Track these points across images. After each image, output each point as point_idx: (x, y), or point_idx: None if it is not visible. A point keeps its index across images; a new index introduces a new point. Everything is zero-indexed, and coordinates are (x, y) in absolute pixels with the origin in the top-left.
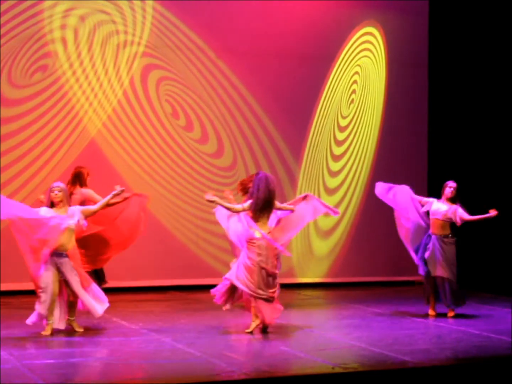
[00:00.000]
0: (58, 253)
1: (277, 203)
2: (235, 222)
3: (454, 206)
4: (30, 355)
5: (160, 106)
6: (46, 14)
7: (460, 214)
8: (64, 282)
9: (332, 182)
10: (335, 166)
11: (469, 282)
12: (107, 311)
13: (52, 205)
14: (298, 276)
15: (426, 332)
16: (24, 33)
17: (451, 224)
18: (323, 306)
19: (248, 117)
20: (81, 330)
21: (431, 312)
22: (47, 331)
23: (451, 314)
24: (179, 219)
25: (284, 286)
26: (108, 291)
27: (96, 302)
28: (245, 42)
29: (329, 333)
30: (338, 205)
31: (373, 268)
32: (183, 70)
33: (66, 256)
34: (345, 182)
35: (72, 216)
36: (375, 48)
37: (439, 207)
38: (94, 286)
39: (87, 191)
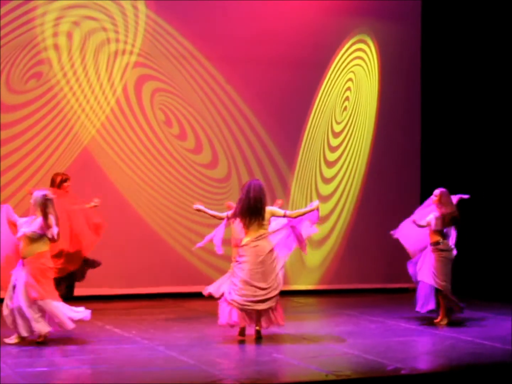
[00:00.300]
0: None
1: (279, 211)
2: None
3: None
4: (23, 363)
5: (153, 114)
6: (38, 22)
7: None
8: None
9: (325, 189)
10: (328, 173)
11: (461, 288)
12: (100, 318)
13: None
14: (291, 283)
15: (419, 339)
16: (19, 39)
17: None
18: (316, 314)
19: (241, 123)
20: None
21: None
22: (14, 340)
23: (444, 322)
24: (173, 227)
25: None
26: (101, 298)
27: (36, 319)
28: (238, 49)
29: (322, 341)
30: (331, 212)
31: (366, 275)
32: (176, 77)
33: (22, 264)
34: (338, 189)
35: (32, 224)
36: (368, 55)
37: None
38: (52, 303)
39: None
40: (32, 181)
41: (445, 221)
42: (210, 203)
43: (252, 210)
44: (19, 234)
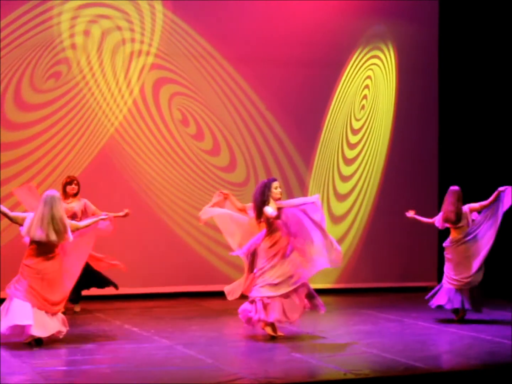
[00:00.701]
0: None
1: (282, 203)
2: None
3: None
4: (42, 363)
5: (170, 113)
6: (55, 21)
7: (470, 206)
8: None
9: (343, 188)
10: (346, 171)
11: (481, 287)
12: (118, 317)
13: None
14: (309, 282)
15: (437, 338)
16: (37, 37)
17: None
18: (334, 312)
19: (258, 122)
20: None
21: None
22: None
23: (460, 316)
24: (191, 226)
25: None
26: (119, 298)
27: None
28: (256, 49)
29: (340, 339)
30: (349, 211)
31: (384, 274)
32: (193, 76)
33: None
34: (355, 187)
35: None
36: (385, 55)
37: None
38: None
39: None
40: (48, 180)
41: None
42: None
43: (258, 209)
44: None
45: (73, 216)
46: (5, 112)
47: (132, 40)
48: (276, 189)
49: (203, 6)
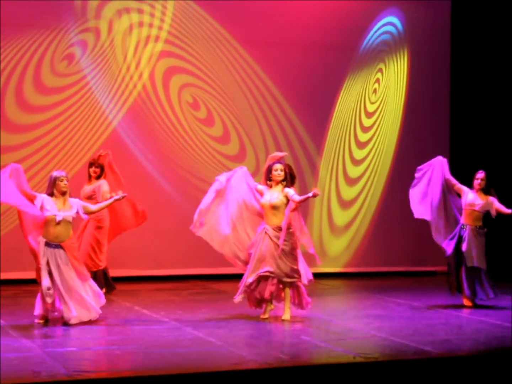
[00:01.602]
0: (54, 245)
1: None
2: None
3: (491, 198)
4: (52, 344)
5: (181, 96)
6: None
7: (498, 206)
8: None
9: (354, 172)
10: (358, 154)
11: (490, 272)
12: (128, 299)
13: (52, 194)
14: (318, 266)
15: (447, 323)
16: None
17: (484, 215)
18: (343, 296)
19: (271, 105)
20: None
21: (466, 302)
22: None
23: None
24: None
25: None
26: (129, 280)
27: (92, 298)
28: (268, 32)
29: (350, 323)
30: (359, 194)
31: (394, 258)
32: (205, 59)
33: (61, 247)
34: (366, 172)
35: (70, 208)
36: (396, 39)
37: (476, 198)
38: (92, 283)
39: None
40: (60, 163)
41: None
42: None
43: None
44: (59, 217)
45: (90, 198)
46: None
47: (141, 24)
48: (276, 171)
49: None
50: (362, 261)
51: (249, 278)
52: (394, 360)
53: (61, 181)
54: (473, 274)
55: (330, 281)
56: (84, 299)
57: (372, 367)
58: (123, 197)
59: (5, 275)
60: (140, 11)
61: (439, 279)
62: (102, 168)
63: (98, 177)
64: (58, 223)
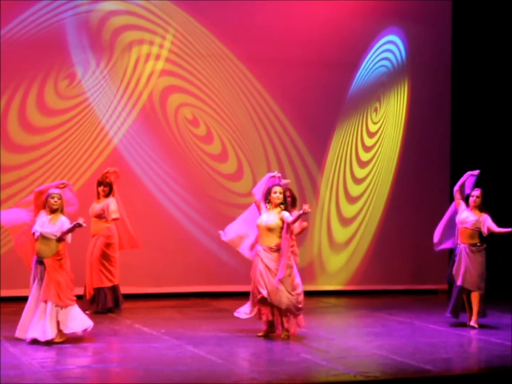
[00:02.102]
0: (38, 260)
1: None
2: None
3: (484, 216)
4: (52, 361)
5: (180, 114)
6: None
7: (489, 224)
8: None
9: (355, 190)
10: (359, 173)
11: (490, 290)
12: (129, 316)
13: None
14: (319, 284)
15: (447, 341)
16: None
17: (480, 233)
18: (344, 314)
19: (272, 122)
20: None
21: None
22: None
23: (475, 325)
24: (201, 227)
25: (306, 294)
26: (130, 297)
27: (51, 325)
28: (269, 49)
29: (351, 341)
30: (359, 212)
31: (395, 276)
32: (207, 77)
33: (43, 263)
34: (367, 190)
35: (53, 225)
36: (397, 55)
37: (468, 216)
38: (73, 309)
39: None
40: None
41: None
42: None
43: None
44: (37, 233)
45: (99, 216)
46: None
47: (142, 42)
48: (275, 193)
49: (218, 7)
50: (363, 279)
51: (252, 309)
52: (395, 378)
53: (52, 198)
54: (462, 294)
55: (331, 299)
56: (32, 319)
57: None
58: (81, 226)
59: (6, 292)
60: (142, 29)
61: (440, 297)
62: (110, 186)
63: (106, 195)
64: (36, 239)
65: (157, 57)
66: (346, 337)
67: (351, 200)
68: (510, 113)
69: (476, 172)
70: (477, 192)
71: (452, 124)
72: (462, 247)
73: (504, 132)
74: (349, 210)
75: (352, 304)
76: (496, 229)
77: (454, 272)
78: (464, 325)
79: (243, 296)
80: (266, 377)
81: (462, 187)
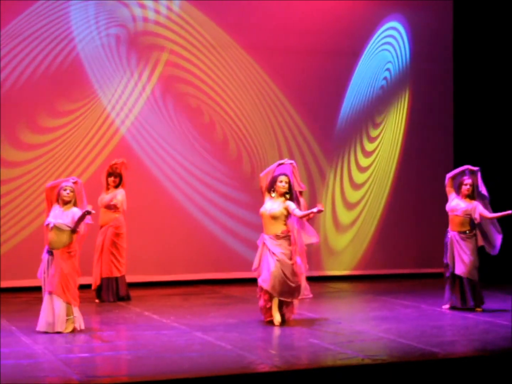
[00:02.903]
0: (48, 251)
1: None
2: None
3: (475, 203)
4: (65, 350)
5: (181, 103)
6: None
7: (481, 211)
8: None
9: (360, 178)
10: (364, 162)
11: (492, 273)
12: (138, 305)
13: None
14: (326, 269)
15: (453, 324)
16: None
17: (471, 221)
18: (351, 299)
19: (278, 110)
20: (75, 328)
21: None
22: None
23: (479, 310)
24: (208, 215)
25: (313, 279)
26: (139, 285)
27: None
28: (272, 39)
29: (358, 325)
30: (363, 197)
31: (401, 260)
32: (212, 66)
33: (52, 254)
34: (371, 176)
35: (66, 217)
36: (399, 43)
37: (458, 203)
38: (60, 304)
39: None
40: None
41: None
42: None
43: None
44: (51, 224)
45: (108, 207)
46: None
47: (149, 32)
48: (281, 182)
49: None
50: (369, 264)
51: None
52: (402, 361)
53: (64, 190)
54: (455, 281)
55: (337, 284)
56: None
57: (380, 369)
58: (90, 213)
59: (19, 283)
60: (146, 20)
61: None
62: (121, 177)
63: (116, 186)
64: (51, 229)
65: (160, 49)
66: (353, 322)
67: (356, 186)
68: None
69: (476, 168)
70: (469, 181)
71: (454, 111)
72: (452, 235)
73: (508, 122)
74: (354, 196)
75: (359, 289)
76: (489, 214)
77: (448, 261)
78: (470, 308)
79: (250, 282)
80: (275, 362)
81: (456, 176)
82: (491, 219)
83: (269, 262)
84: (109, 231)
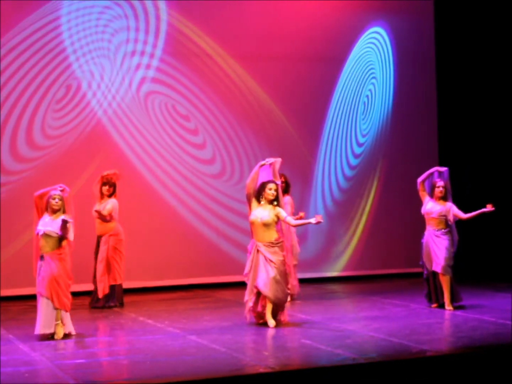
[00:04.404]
0: (40, 256)
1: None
2: None
3: (448, 204)
4: (61, 356)
5: (172, 110)
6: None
7: (455, 212)
8: None
9: (347, 181)
10: (352, 163)
11: (481, 270)
12: (133, 310)
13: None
14: (317, 271)
15: (442, 322)
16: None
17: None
18: (342, 299)
19: (263, 118)
20: (71, 334)
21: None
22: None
23: (450, 308)
24: (201, 220)
25: (304, 281)
26: (133, 291)
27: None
28: (257, 46)
29: (349, 325)
30: (353, 200)
31: (390, 260)
32: (197, 73)
33: (42, 258)
34: (359, 177)
35: (56, 224)
36: (382, 48)
37: (433, 206)
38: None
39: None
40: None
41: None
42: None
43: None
44: (40, 232)
45: (100, 218)
46: None
47: (136, 40)
48: (270, 190)
49: (206, 5)
50: (359, 265)
51: (249, 299)
52: (393, 360)
53: (53, 199)
54: (433, 278)
55: (328, 285)
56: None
57: (372, 368)
58: (67, 221)
59: (15, 291)
60: (134, 29)
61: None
62: (114, 186)
63: (110, 195)
64: (41, 237)
65: (147, 55)
66: (344, 322)
67: (342, 189)
68: (494, 106)
69: (444, 168)
70: (441, 183)
71: (438, 115)
72: (428, 233)
73: (490, 125)
74: (341, 197)
75: (349, 290)
76: (463, 215)
77: (424, 259)
78: (458, 306)
79: (243, 286)
80: (269, 363)
81: (426, 180)
82: (466, 219)
83: (267, 269)
84: (111, 240)
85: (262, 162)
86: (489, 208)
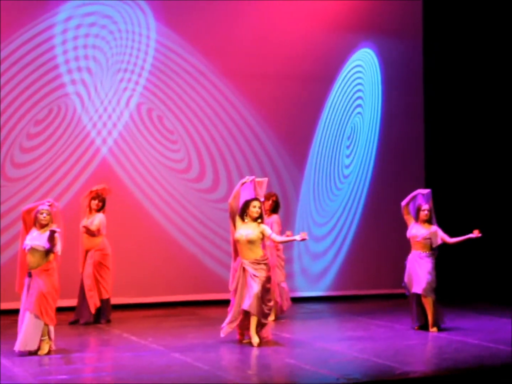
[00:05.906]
0: (28, 273)
1: None
2: None
3: (433, 228)
4: (44, 372)
5: (160, 126)
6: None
7: (442, 236)
8: None
9: (333, 202)
10: (339, 183)
11: (466, 292)
12: (117, 326)
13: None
14: (301, 290)
15: (426, 343)
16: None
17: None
18: (326, 319)
19: (251, 137)
20: (52, 349)
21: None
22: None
23: (434, 330)
24: (187, 237)
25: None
26: (118, 307)
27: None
28: (246, 64)
29: (333, 345)
30: (338, 219)
31: (375, 281)
32: (184, 91)
33: (30, 276)
34: (344, 198)
35: (43, 239)
36: (371, 68)
37: (418, 230)
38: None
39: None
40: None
41: None
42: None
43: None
44: (27, 247)
45: (88, 232)
46: None
47: (125, 57)
48: (254, 207)
49: (196, 22)
50: (344, 285)
51: (234, 318)
52: (377, 380)
53: (41, 214)
54: (415, 300)
55: (312, 305)
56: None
57: None
58: (55, 231)
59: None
60: (121, 45)
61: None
62: (104, 201)
63: (99, 210)
64: (28, 251)
65: (138, 74)
66: (329, 342)
67: (330, 208)
68: (483, 129)
69: (427, 191)
70: (427, 206)
71: (425, 135)
72: (412, 255)
73: (478, 147)
74: (328, 217)
75: (334, 310)
76: (449, 240)
77: (406, 280)
78: (442, 328)
79: (228, 304)
80: (252, 382)
81: (410, 202)
82: (452, 244)
83: (252, 285)
84: (96, 255)
85: (243, 180)
86: (475, 233)
